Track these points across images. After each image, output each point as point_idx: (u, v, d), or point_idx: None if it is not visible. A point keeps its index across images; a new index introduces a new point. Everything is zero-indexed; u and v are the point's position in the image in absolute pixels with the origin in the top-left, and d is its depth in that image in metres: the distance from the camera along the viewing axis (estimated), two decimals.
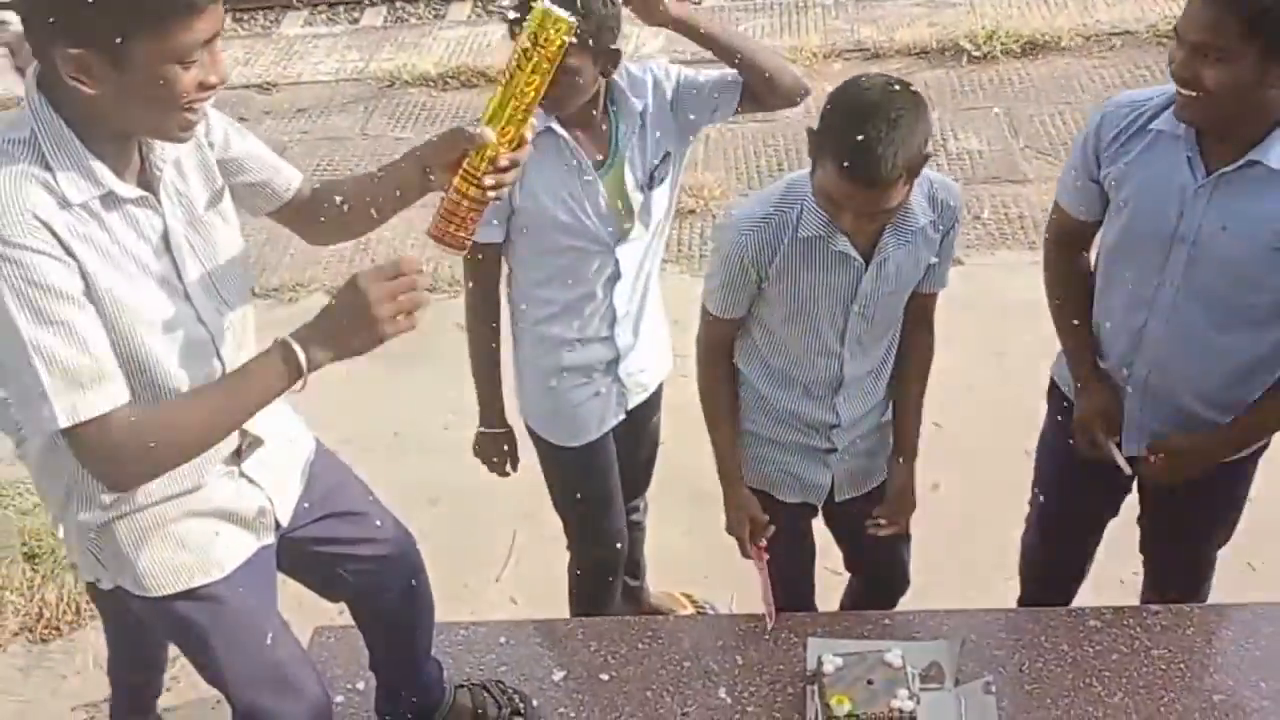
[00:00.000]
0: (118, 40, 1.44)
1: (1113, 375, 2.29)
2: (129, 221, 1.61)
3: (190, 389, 1.70)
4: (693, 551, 3.19)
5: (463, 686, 2.39)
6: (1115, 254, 2.22)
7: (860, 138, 1.85)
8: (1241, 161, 1.99)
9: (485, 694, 2.36)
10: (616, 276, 2.36)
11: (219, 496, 1.86)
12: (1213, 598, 2.68)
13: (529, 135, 1.63)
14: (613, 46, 2.14)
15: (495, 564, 3.41)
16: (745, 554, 2.38)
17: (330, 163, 5.65)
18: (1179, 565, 2.54)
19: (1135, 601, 2.65)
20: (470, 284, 2.39)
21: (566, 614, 2.79)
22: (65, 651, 3.29)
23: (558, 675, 2.39)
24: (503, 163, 1.62)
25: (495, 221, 2.25)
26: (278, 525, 1.98)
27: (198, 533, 1.85)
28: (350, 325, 1.56)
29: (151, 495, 1.78)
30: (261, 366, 1.60)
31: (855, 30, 6.29)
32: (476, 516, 3.46)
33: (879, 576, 2.63)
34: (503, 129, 1.60)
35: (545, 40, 1.55)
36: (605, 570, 2.71)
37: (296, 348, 1.57)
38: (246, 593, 1.92)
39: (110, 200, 1.58)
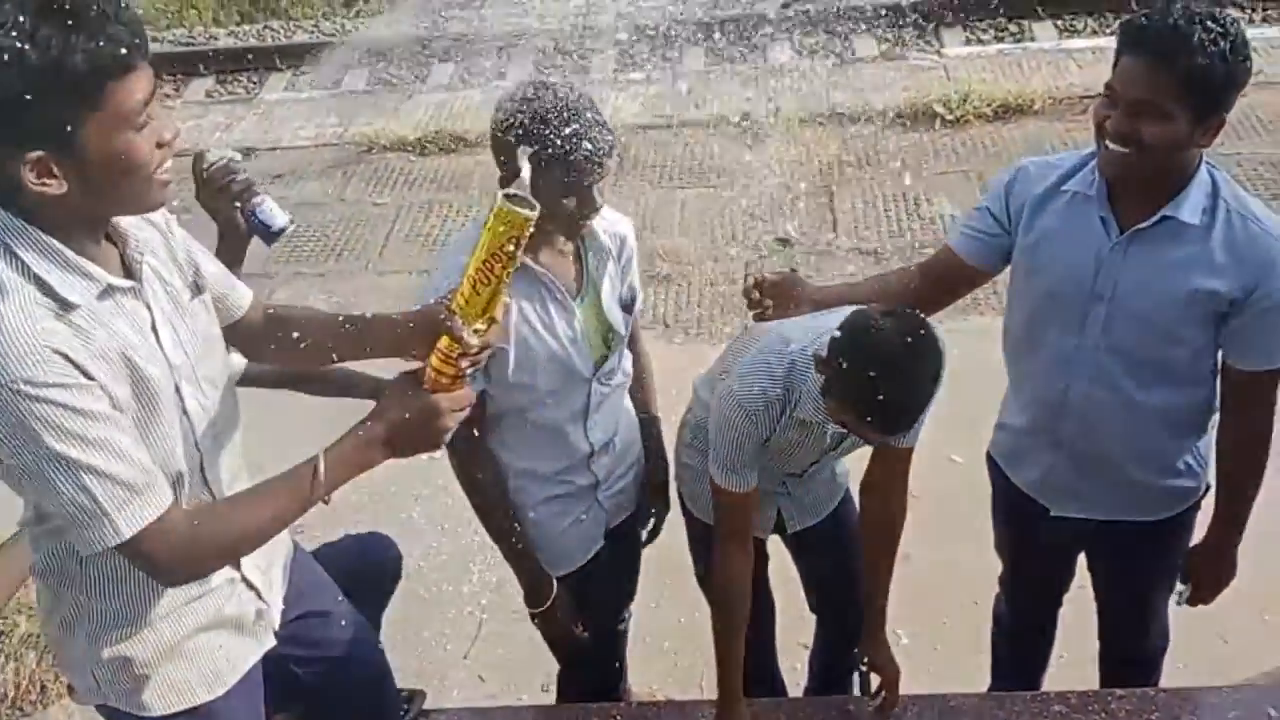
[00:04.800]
0: (67, 129, 1.44)
1: (1038, 439, 2.35)
2: (124, 314, 1.61)
3: (248, 489, 1.74)
4: (662, 626, 3.17)
5: None
6: (1034, 317, 2.27)
7: (887, 401, 1.88)
8: (1156, 218, 2.06)
9: None
10: (589, 409, 2.29)
11: (221, 605, 1.86)
12: (1183, 676, 2.68)
13: (499, 315, 1.65)
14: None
15: (463, 639, 3.38)
16: None
17: (307, 228, 5.67)
18: (1127, 614, 2.57)
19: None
20: (462, 448, 2.21)
21: (534, 690, 2.77)
22: None
23: None
24: (473, 344, 1.63)
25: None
26: (272, 628, 1.97)
27: (203, 647, 1.85)
28: (419, 433, 1.65)
29: (159, 609, 1.78)
30: (300, 476, 1.64)
31: (830, 95, 6.36)
32: (445, 593, 3.44)
33: (838, 608, 2.63)
34: (474, 316, 1.63)
35: (509, 232, 1.56)
36: (600, 691, 2.63)
37: (321, 466, 1.62)
38: (239, 705, 1.92)
39: (106, 294, 1.58)
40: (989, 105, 6.01)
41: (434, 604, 3.40)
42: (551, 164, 1.97)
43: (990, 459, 2.55)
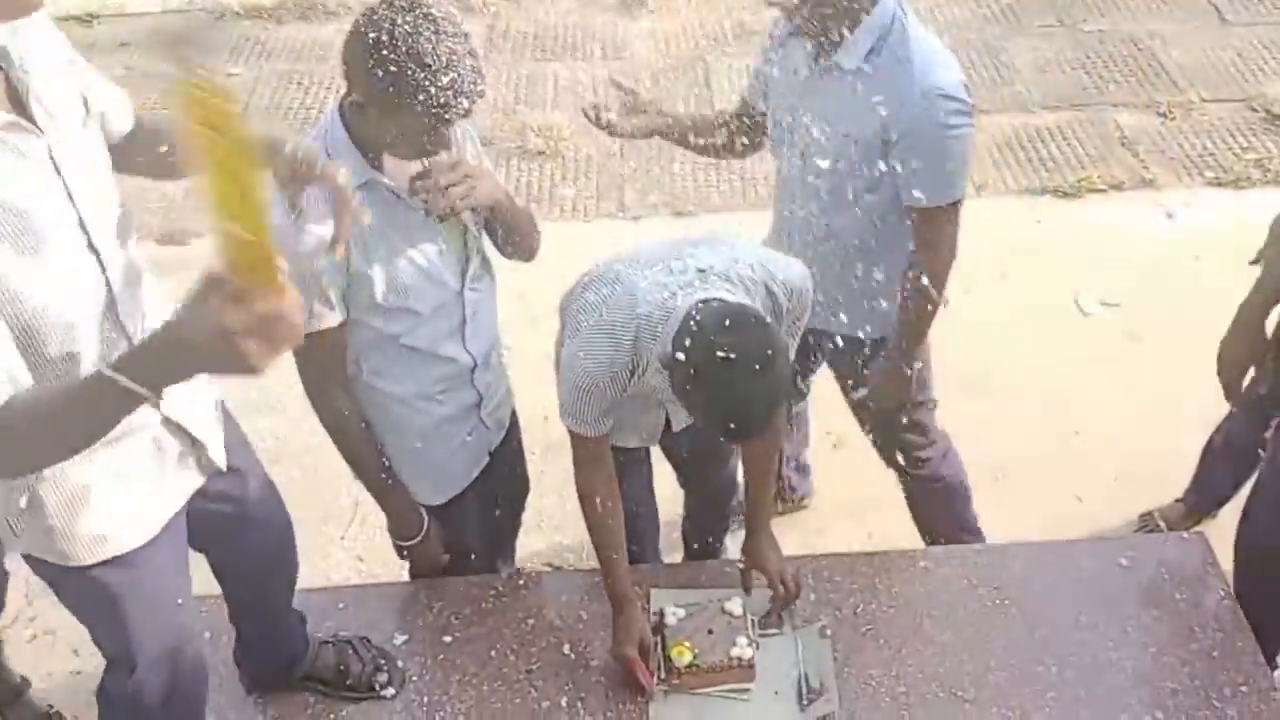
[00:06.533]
0: None
1: (774, 245, 2.52)
2: (11, 151, 1.48)
3: (39, 399, 1.45)
4: (541, 501, 3.17)
5: (327, 642, 2.35)
6: (772, 137, 2.48)
7: (734, 425, 1.84)
8: (828, 61, 2.25)
9: (350, 650, 2.33)
10: (465, 320, 2.18)
11: (140, 454, 1.77)
12: (1039, 532, 2.80)
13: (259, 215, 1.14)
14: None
15: (340, 522, 3.34)
16: (631, 676, 2.23)
17: (158, 102, 5.35)
18: (875, 424, 2.72)
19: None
20: (317, 382, 2.10)
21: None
22: None
23: (399, 639, 2.36)
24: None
25: (332, 301, 1.98)
26: (214, 467, 1.92)
27: (122, 497, 1.77)
28: (209, 359, 1.26)
29: (76, 459, 1.60)
30: (88, 399, 1.35)
31: None
32: (319, 473, 3.35)
33: (708, 477, 2.69)
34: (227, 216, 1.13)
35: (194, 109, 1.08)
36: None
37: (120, 379, 1.28)
38: (164, 551, 1.87)
39: None
40: None
41: (308, 485, 3.33)
42: (412, 113, 1.82)
43: None
